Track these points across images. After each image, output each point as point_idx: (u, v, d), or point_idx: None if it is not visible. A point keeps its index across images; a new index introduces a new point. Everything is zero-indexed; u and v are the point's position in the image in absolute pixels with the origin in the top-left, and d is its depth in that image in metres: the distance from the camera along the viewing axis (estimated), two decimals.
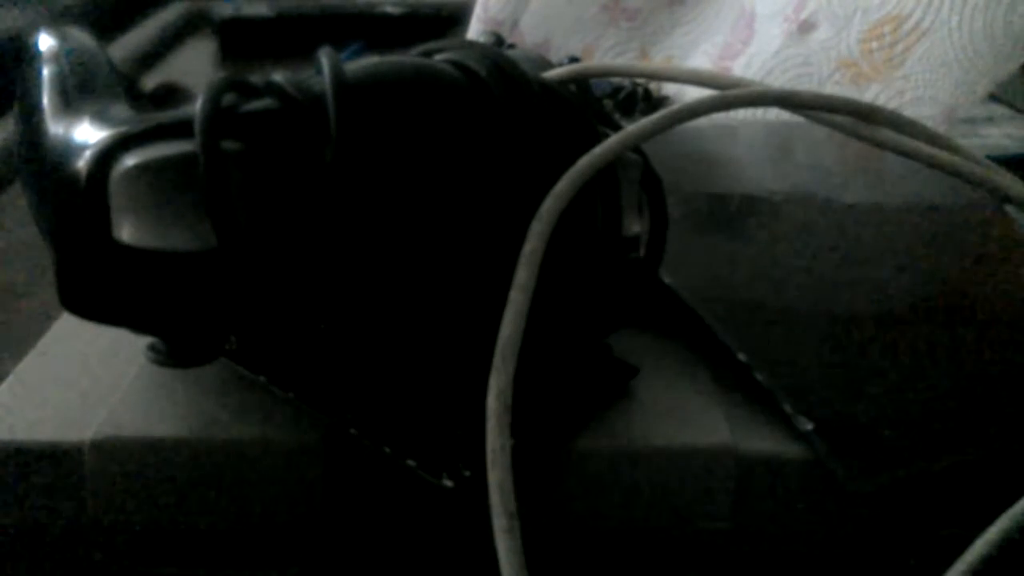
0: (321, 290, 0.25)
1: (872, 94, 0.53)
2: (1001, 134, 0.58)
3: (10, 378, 0.30)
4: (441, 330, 0.27)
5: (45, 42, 0.29)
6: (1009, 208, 0.38)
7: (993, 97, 0.61)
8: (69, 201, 0.24)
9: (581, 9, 0.66)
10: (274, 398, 0.28)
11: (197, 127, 0.23)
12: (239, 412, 0.28)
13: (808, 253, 0.35)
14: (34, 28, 0.30)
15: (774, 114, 0.48)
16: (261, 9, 0.84)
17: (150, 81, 0.74)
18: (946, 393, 0.29)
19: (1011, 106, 0.62)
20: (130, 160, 0.23)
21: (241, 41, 0.84)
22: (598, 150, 0.27)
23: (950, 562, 0.25)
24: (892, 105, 0.52)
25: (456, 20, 0.82)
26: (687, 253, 0.33)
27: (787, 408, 0.28)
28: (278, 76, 0.25)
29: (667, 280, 0.32)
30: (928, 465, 0.27)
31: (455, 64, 0.27)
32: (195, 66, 0.81)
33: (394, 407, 0.27)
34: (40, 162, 0.26)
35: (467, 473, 0.25)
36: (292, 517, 0.28)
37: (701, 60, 0.62)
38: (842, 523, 0.28)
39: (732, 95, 0.32)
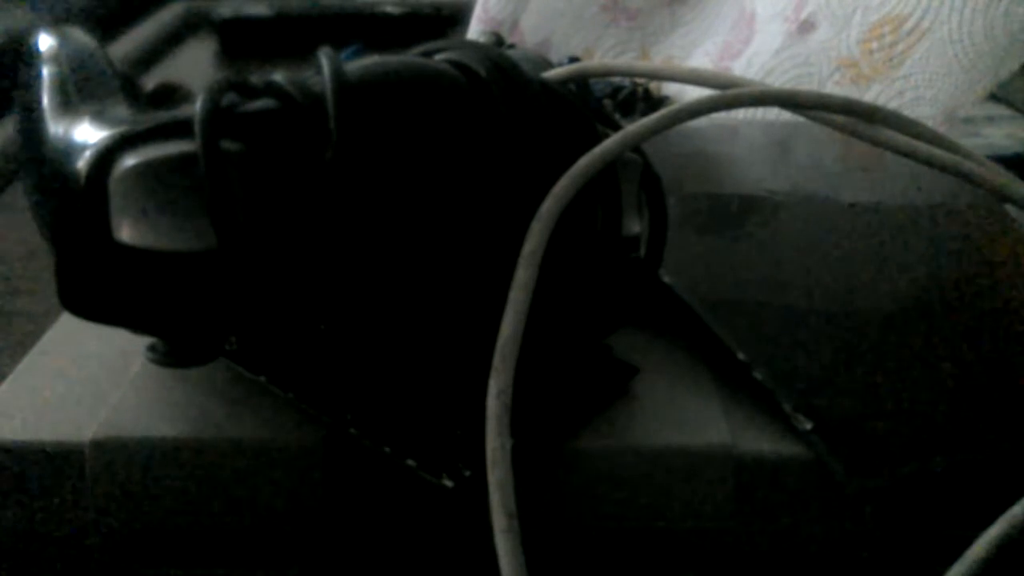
0: (321, 290, 0.25)
1: (872, 94, 0.52)
2: (1001, 134, 0.58)
3: (10, 378, 0.30)
4: (441, 330, 0.27)
5: (45, 42, 0.29)
6: (1009, 208, 0.38)
7: (993, 97, 0.61)
8: (69, 201, 0.24)
9: (581, 9, 0.66)
10: (274, 398, 0.28)
11: (197, 127, 0.23)
12: (239, 412, 0.28)
13: (808, 253, 0.35)
14: (34, 28, 0.30)
15: (774, 114, 0.48)
16: (261, 9, 0.84)
17: (150, 81, 0.74)
18: (946, 393, 0.29)
19: (1011, 106, 0.62)
20: (130, 160, 0.23)
21: (241, 41, 0.84)
22: (598, 150, 0.27)
23: (950, 562, 0.25)
24: (892, 105, 0.51)
25: (456, 20, 0.82)
26: (687, 253, 0.33)
27: (786, 408, 0.28)
28: (278, 76, 0.25)
29: (667, 280, 0.32)
30: (928, 465, 0.27)
31: (455, 64, 0.27)
32: (195, 66, 0.81)
33: (394, 407, 0.27)
34: (40, 162, 0.26)
35: (467, 473, 0.25)
36: (292, 517, 0.28)
37: (701, 60, 0.62)
38: (842, 523, 0.28)
39: (732, 95, 0.32)
